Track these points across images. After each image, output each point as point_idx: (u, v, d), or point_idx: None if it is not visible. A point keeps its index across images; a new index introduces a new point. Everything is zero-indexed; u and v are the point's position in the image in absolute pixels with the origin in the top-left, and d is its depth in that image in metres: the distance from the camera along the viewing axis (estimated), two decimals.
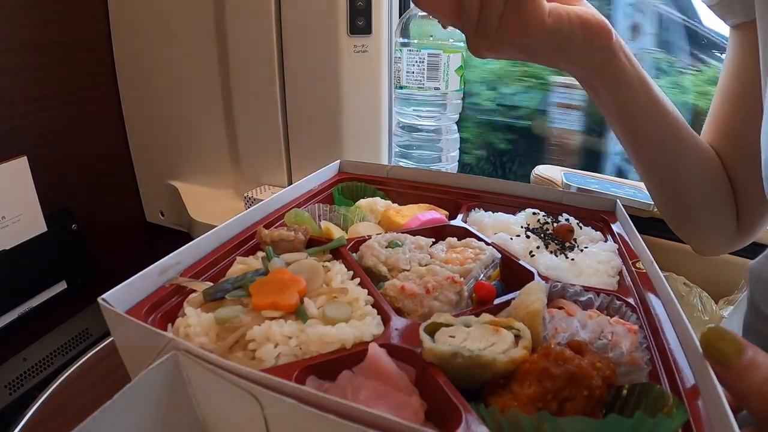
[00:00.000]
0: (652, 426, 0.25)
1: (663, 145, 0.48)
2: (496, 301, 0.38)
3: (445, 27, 0.41)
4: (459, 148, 0.93)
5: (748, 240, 0.55)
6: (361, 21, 0.89)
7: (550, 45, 0.38)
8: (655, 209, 0.78)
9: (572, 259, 0.45)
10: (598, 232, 0.51)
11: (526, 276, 0.41)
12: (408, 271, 0.40)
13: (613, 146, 1.07)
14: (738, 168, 0.50)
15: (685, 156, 0.49)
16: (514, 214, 0.54)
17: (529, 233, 0.48)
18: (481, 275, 0.41)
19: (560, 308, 0.37)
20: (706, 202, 0.52)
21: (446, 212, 0.55)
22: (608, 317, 0.35)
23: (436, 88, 0.80)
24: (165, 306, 0.35)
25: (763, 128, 0.40)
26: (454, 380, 0.28)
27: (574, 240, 0.48)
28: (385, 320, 0.35)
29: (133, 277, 0.34)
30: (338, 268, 0.40)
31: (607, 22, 0.40)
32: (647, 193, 0.82)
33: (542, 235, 0.48)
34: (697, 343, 0.29)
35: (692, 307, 0.69)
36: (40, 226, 0.96)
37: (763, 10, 0.41)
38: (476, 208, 0.56)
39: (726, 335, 0.26)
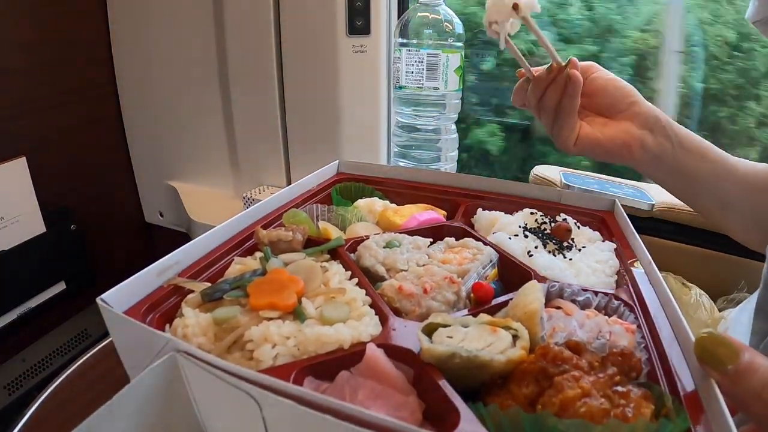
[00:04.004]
0: (654, 430, 0.25)
1: (698, 198, 0.55)
2: (494, 301, 0.38)
3: None
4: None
5: None
6: (359, 21, 0.89)
7: (585, 155, 0.53)
8: (655, 209, 0.79)
9: (570, 259, 0.45)
10: (596, 232, 0.51)
11: (524, 276, 0.41)
12: (406, 271, 0.40)
13: None
14: None
15: (725, 199, 0.53)
16: (512, 213, 0.54)
17: (527, 233, 0.48)
18: (479, 275, 0.41)
19: (558, 308, 0.37)
20: (762, 226, 0.53)
21: (444, 212, 0.55)
22: (606, 317, 0.35)
23: (435, 88, 0.80)
24: (163, 306, 0.35)
25: None
26: (452, 380, 0.28)
27: (572, 240, 0.49)
28: (383, 320, 0.35)
29: (132, 278, 0.34)
30: (336, 269, 0.40)
31: (631, 139, 0.50)
32: (646, 193, 0.83)
33: (540, 234, 0.48)
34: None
35: (691, 307, 0.69)
36: (39, 227, 0.96)
37: None
38: (475, 208, 0.56)
39: (720, 339, 0.25)
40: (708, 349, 0.25)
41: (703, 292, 0.72)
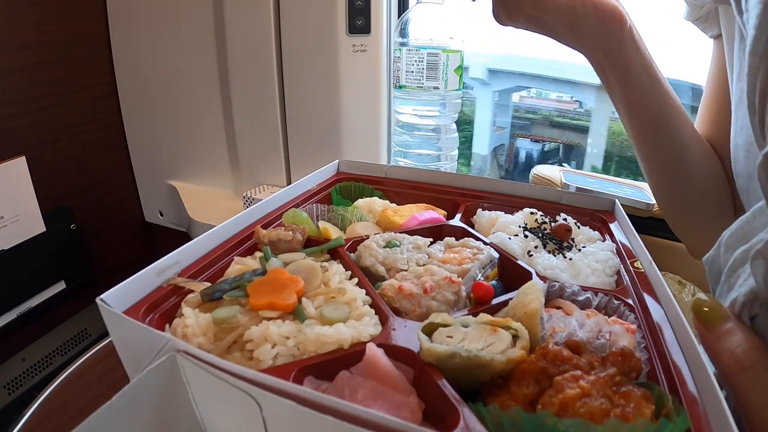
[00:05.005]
0: (654, 430, 0.25)
1: (665, 132, 0.50)
2: (494, 301, 0.38)
3: None
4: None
5: None
6: (360, 20, 0.89)
7: (564, 20, 0.42)
8: (655, 209, 0.79)
9: (570, 259, 0.45)
10: (596, 232, 0.51)
11: (524, 276, 0.41)
12: (406, 270, 0.40)
13: None
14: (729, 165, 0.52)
15: (686, 146, 0.51)
16: (512, 213, 0.54)
17: (527, 233, 0.48)
18: (479, 275, 0.41)
19: (558, 308, 0.37)
20: (705, 194, 0.53)
21: (444, 212, 0.55)
22: (606, 317, 0.35)
23: (435, 88, 0.80)
24: (163, 306, 0.35)
25: (732, 132, 0.42)
26: (452, 380, 0.28)
27: (572, 240, 0.49)
28: (383, 320, 0.35)
29: (132, 278, 0.34)
30: (336, 268, 0.40)
31: (623, 10, 0.43)
32: (646, 193, 0.83)
33: (540, 234, 0.48)
34: (695, 342, 0.30)
35: (686, 304, 0.69)
36: (38, 226, 0.96)
37: (724, 26, 0.47)
38: (475, 208, 0.56)
39: (716, 304, 0.29)
40: (704, 310, 0.29)
41: (698, 288, 0.72)
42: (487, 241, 0.46)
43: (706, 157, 0.53)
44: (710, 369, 0.27)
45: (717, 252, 0.38)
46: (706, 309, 0.29)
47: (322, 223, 0.51)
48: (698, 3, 0.50)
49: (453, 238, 0.46)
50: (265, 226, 0.47)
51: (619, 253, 0.46)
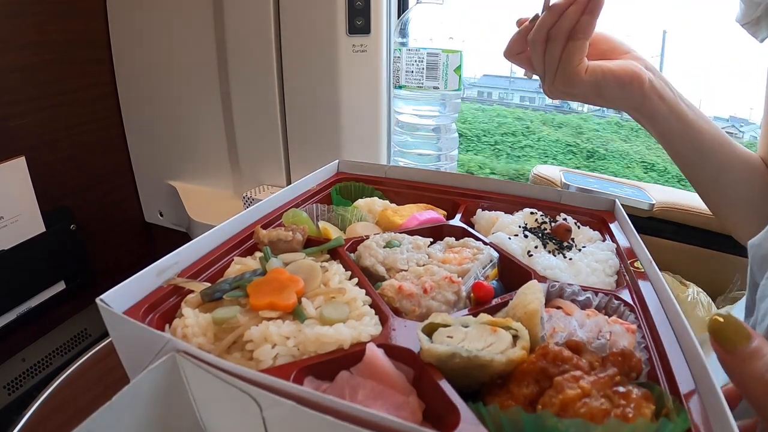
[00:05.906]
0: (654, 430, 0.25)
1: (701, 163, 0.55)
2: (494, 301, 0.38)
3: (529, 77, 0.55)
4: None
5: None
6: (360, 21, 0.89)
7: (591, 91, 0.50)
8: (655, 209, 0.79)
9: (570, 259, 0.45)
10: (596, 232, 0.51)
11: (524, 276, 0.41)
12: (406, 271, 0.40)
13: None
14: None
15: (726, 172, 0.54)
16: (512, 213, 0.54)
17: (527, 233, 0.48)
18: (479, 275, 0.41)
19: (558, 308, 0.37)
20: (754, 211, 0.54)
21: (444, 212, 0.55)
22: (606, 317, 0.35)
23: (435, 88, 0.80)
24: (163, 306, 0.35)
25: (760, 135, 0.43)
26: (452, 380, 0.28)
27: (572, 240, 0.49)
28: (383, 320, 0.35)
29: (132, 278, 0.34)
30: (336, 269, 0.40)
31: (640, 71, 0.49)
32: (646, 193, 0.83)
33: (540, 234, 0.48)
34: (695, 342, 0.30)
35: (688, 305, 0.69)
36: (38, 227, 0.96)
37: None
38: (475, 208, 0.56)
39: (735, 322, 0.26)
40: (723, 330, 0.26)
41: (700, 289, 0.72)
42: (487, 241, 0.46)
43: (753, 175, 0.54)
44: (710, 368, 0.27)
45: (766, 235, 0.38)
46: (725, 327, 0.26)
47: (322, 223, 0.51)
48: (755, 0, 0.52)
49: (453, 238, 0.46)
50: (265, 226, 0.47)
51: (619, 253, 0.46)
